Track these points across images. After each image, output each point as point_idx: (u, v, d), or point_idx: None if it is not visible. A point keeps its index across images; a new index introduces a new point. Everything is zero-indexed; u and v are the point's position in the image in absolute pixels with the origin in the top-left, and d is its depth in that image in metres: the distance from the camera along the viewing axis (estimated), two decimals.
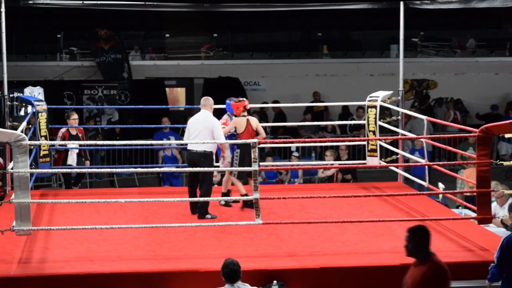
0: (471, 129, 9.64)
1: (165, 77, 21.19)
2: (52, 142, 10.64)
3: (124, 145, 14.93)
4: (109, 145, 14.54)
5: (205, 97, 10.10)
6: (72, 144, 11.84)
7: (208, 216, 9.69)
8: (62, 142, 11.56)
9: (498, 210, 10.45)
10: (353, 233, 9.00)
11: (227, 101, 10.47)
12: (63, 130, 12.12)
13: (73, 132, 12.15)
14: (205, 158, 9.63)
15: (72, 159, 11.96)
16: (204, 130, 9.68)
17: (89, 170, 12.09)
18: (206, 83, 20.71)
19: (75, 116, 12.29)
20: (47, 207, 10.19)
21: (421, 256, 5.98)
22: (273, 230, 9.06)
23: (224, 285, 6.96)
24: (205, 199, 9.62)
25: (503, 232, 9.27)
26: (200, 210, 9.73)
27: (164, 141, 14.48)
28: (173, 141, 9.56)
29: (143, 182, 15.98)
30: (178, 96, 21.84)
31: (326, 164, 13.67)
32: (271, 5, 13.25)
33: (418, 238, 6.01)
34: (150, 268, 7.83)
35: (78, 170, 11.82)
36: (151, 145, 15.27)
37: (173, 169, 13.81)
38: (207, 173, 9.66)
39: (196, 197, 9.78)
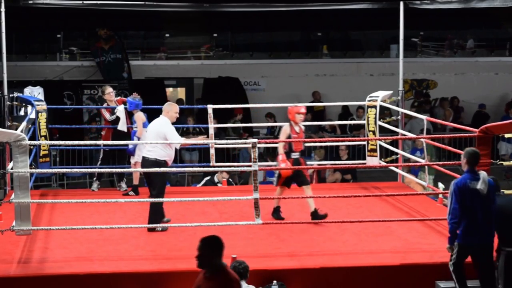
0: (470, 128, 9.63)
1: (165, 77, 21.16)
2: (52, 142, 10.64)
3: (124, 145, 14.89)
4: (109, 145, 14.54)
5: (168, 103, 9.78)
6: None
7: (165, 219, 9.37)
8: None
9: None
10: (353, 233, 9.01)
11: (130, 99, 10.32)
12: (104, 109, 11.86)
13: (112, 105, 11.87)
14: (155, 166, 9.30)
15: (123, 126, 11.79)
16: (157, 137, 9.41)
17: (89, 170, 12.07)
18: (206, 83, 20.68)
19: (109, 89, 11.96)
20: (47, 207, 10.20)
21: (212, 268, 5.70)
22: (273, 230, 9.06)
23: None
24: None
25: None
26: (150, 218, 9.23)
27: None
28: (173, 141, 9.52)
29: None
30: (177, 96, 21.81)
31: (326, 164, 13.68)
32: (271, 5, 13.26)
33: (209, 249, 5.74)
34: (150, 268, 7.84)
35: (78, 170, 11.79)
36: None
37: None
38: (156, 180, 9.41)
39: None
